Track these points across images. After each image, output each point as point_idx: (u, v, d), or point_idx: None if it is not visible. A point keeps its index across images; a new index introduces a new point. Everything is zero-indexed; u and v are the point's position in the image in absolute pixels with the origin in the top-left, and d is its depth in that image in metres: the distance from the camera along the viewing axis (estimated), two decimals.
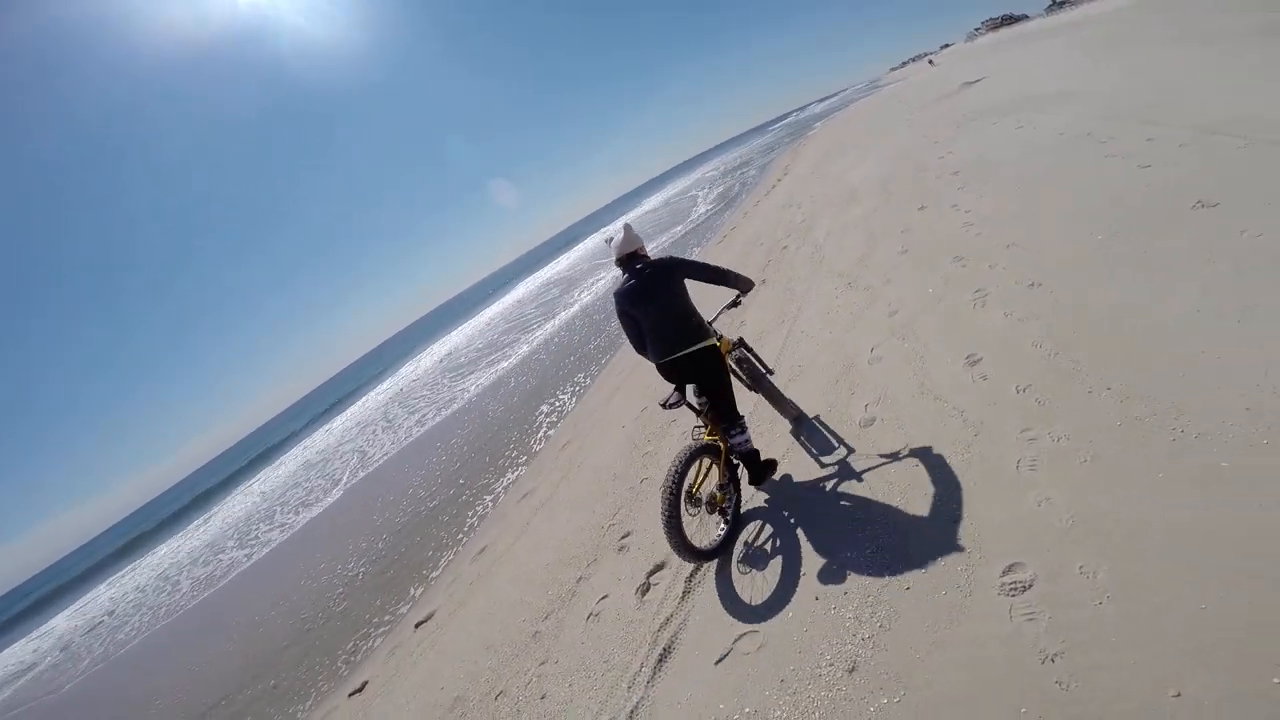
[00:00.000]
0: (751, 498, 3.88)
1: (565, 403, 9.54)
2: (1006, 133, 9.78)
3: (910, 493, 3.17)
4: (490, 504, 7.29)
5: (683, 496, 3.15)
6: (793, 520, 3.47)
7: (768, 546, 3.38)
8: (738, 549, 3.49)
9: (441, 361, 26.93)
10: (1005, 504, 2.77)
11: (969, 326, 4.36)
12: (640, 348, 3.65)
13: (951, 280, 5.13)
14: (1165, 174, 5.32)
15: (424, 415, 15.71)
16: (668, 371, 3.50)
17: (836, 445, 3.89)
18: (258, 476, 31.75)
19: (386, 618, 6.11)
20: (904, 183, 9.58)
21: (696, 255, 14.00)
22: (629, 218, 51.07)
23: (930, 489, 3.11)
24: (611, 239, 3.66)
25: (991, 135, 10.08)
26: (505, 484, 7.64)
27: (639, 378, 7.80)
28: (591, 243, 48.05)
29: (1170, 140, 6.14)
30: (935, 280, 5.30)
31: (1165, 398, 2.89)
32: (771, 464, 3.81)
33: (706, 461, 3.42)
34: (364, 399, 33.45)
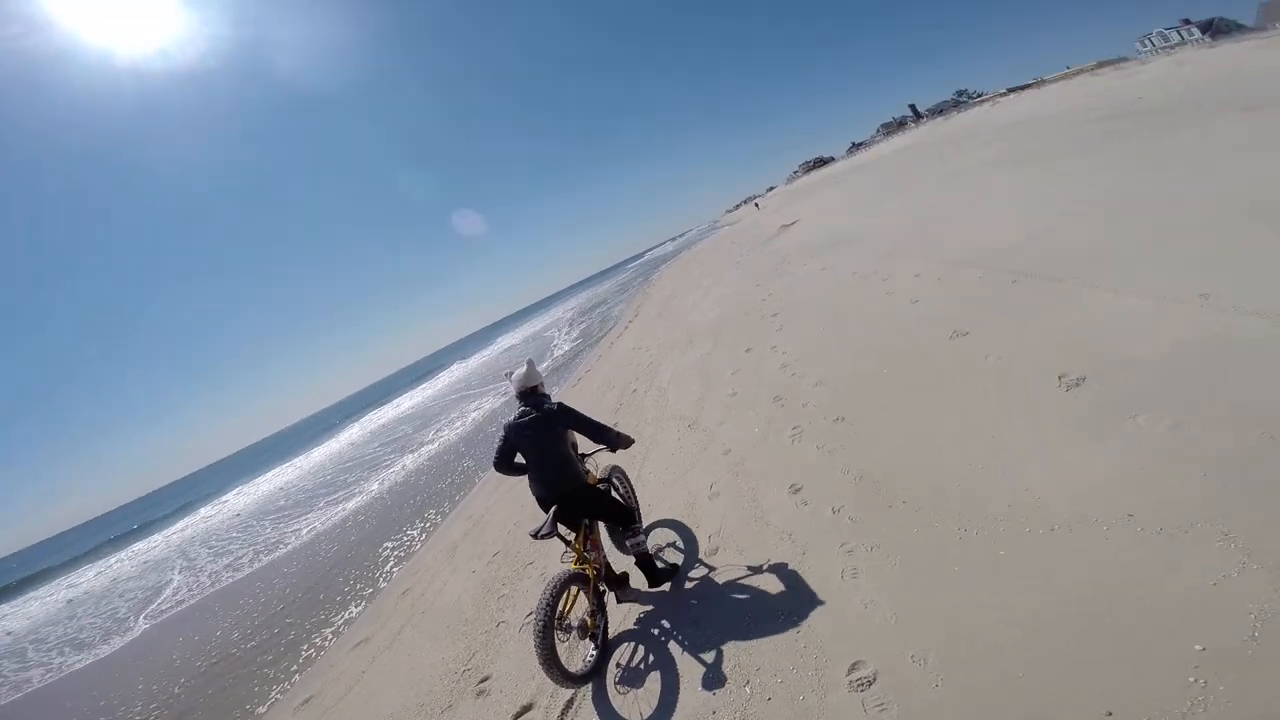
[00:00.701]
0: (621, 620, 4.01)
1: (409, 546, 9.10)
2: (813, 274, 11.32)
3: (758, 607, 3.50)
4: (319, 648, 6.76)
5: (554, 623, 3.29)
6: (660, 637, 3.67)
7: (641, 665, 3.52)
8: (612, 671, 3.58)
9: (262, 501, 24.32)
10: (838, 609, 3.14)
11: (789, 460, 4.84)
12: (505, 468, 3.95)
13: (773, 420, 5.70)
14: (929, 309, 6.41)
15: (238, 558, 13.93)
16: (546, 504, 3.78)
17: (693, 564, 4.22)
18: None
19: None
20: (733, 325, 10.68)
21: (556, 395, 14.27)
22: (485, 355, 51.44)
23: (774, 603, 3.45)
24: (513, 373, 4.01)
25: (802, 277, 11.63)
26: (338, 626, 7.22)
27: (493, 522, 7.63)
28: (448, 376, 47.27)
29: (931, 276, 7.42)
30: (760, 420, 5.86)
31: (946, 504, 3.46)
32: (673, 569, 4.11)
33: (574, 589, 3.58)
34: (162, 534, 29.15)
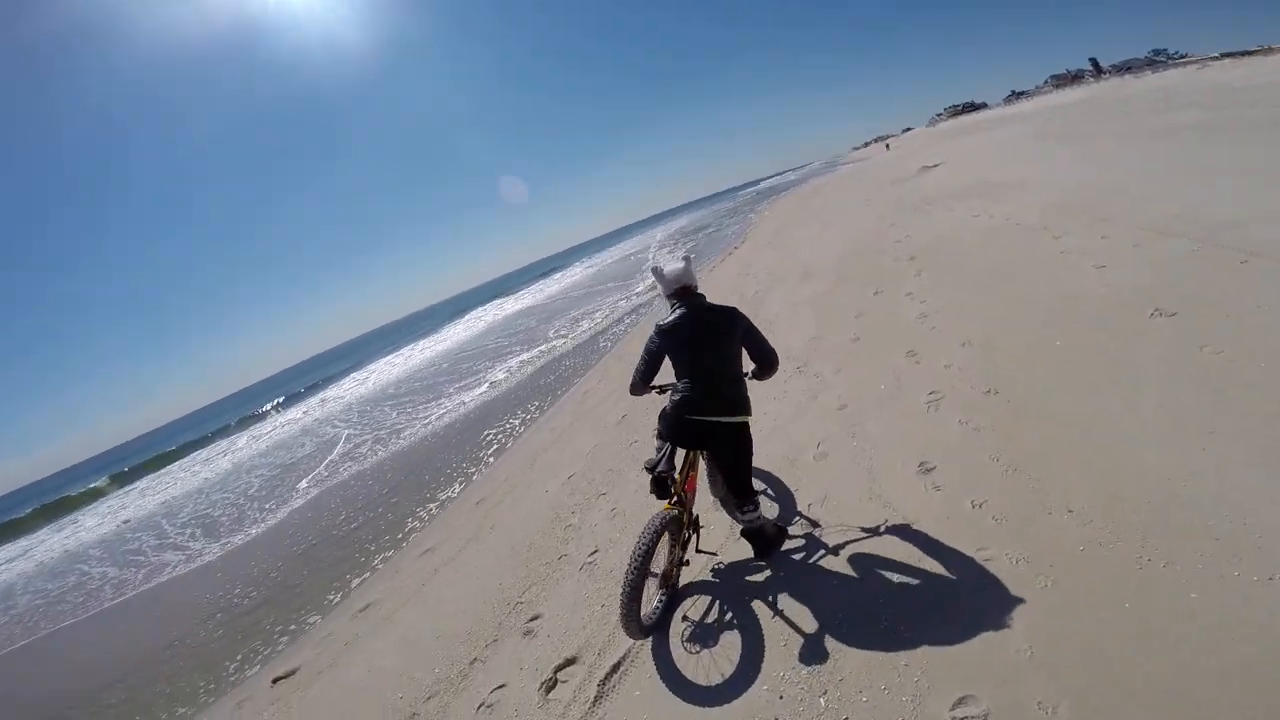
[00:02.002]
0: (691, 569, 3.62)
1: (486, 453, 8.93)
2: (962, 219, 10.02)
3: (856, 598, 2.96)
4: (383, 558, 6.68)
5: (647, 571, 2.95)
6: (736, 596, 3.27)
7: (714, 623, 3.14)
8: (678, 623, 3.24)
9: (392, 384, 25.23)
10: (960, 626, 2.56)
11: (922, 431, 4.12)
12: (644, 385, 3.41)
13: (904, 377, 4.95)
14: (1120, 276, 5.35)
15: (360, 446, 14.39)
16: (684, 429, 3.10)
17: (791, 518, 3.77)
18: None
19: (242, 665, 5.51)
20: (859, 264, 9.66)
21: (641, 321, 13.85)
22: (596, 262, 51.14)
23: (878, 598, 2.90)
24: (664, 269, 3.36)
25: (948, 221, 10.33)
26: (406, 533, 7.11)
27: (572, 440, 7.34)
28: (569, 277, 46.54)
29: (1123, 240, 6.24)
30: (887, 375, 5.11)
31: (1128, 521, 2.74)
32: (782, 532, 3.56)
33: (666, 534, 3.17)
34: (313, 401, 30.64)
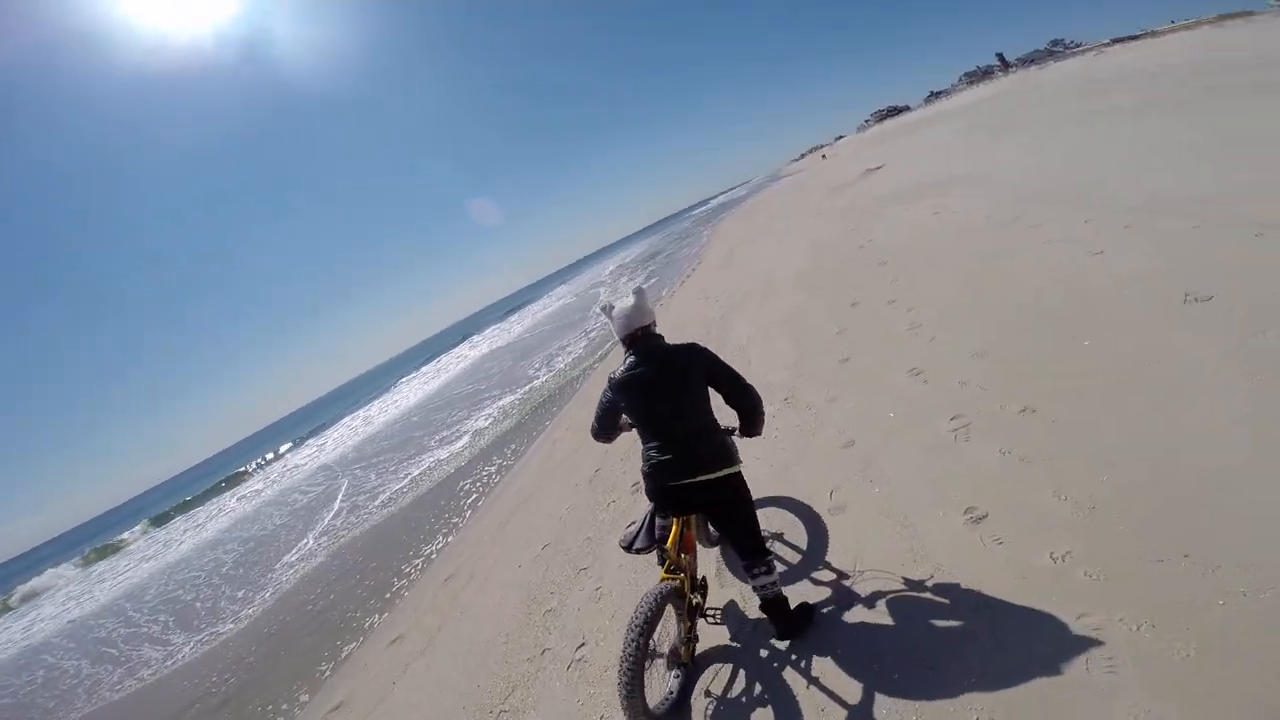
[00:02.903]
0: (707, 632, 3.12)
1: (450, 518, 8.04)
2: (924, 218, 9.62)
3: (907, 659, 2.47)
4: (350, 649, 5.81)
5: (646, 655, 2.51)
6: (765, 661, 2.82)
7: (742, 698, 2.70)
8: (699, 701, 2.79)
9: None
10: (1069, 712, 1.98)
11: (957, 468, 3.42)
12: (608, 435, 3.04)
13: (915, 401, 4.27)
14: (1126, 262, 4.85)
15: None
16: (665, 497, 2.75)
17: (818, 564, 3.27)
18: None
19: None
20: (825, 274, 9.13)
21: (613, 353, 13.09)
22: (556, 300, 49.06)
23: (935, 668, 2.38)
24: (612, 308, 2.90)
25: (909, 221, 9.93)
26: (385, 603, 6.35)
27: (540, 502, 6.54)
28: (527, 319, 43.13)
29: (1110, 224, 5.80)
30: (894, 400, 4.44)
31: (1269, 565, 2.11)
32: (807, 611, 2.91)
33: (666, 609, 2.71)
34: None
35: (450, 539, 7.39)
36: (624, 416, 2.95)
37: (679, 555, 2.77)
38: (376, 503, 10.96)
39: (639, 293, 2.87)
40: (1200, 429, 2.87)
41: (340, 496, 13.12)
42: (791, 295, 8.82)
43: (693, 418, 2.67)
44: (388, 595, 6.57)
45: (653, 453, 2.71)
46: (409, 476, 11.61)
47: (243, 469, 41.00)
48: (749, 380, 2.80)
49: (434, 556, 7.06)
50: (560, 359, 16.34)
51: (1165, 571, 2.27)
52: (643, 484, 2.81)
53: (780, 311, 8.17)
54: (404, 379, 43.99)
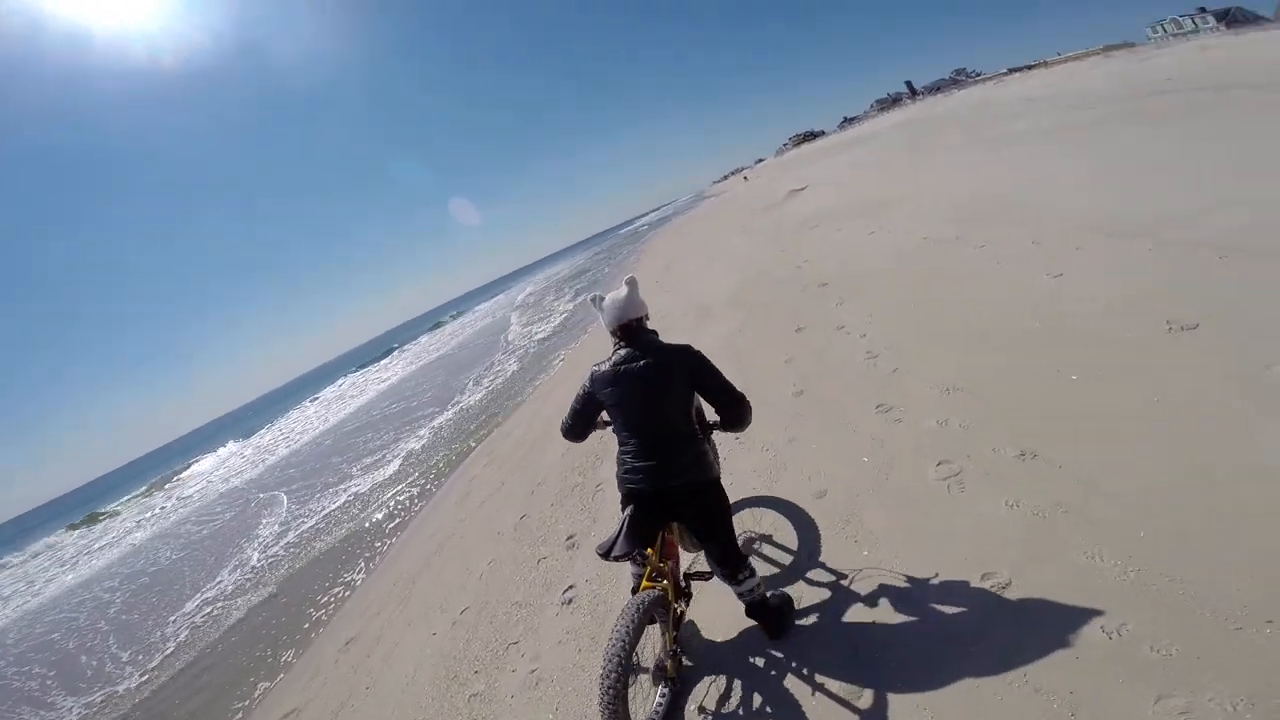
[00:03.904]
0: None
1: (349, 570, 7.05)
2: (859, 239, 9.36)
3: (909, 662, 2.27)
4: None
5: (629, 672, 2.30)
6: (762, 668, 2.65)
7: (742, 710, 2.53)
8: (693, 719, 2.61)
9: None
10: None
11: (959, 526, 2.90)
12: (580, 433, 2.87)
13: (889, 444, 3.75)
14: (1089, 287, 4.57)
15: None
16: (641, 502, 2.58)
17: (812, 564, 3.12)
18: None
19: None
20: (761, 295, 8.67)
21: (539, 383, 12.23)
22: (459, 326, 46.17)
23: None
24: (603, 299, 2.78)
25: (844, 241, 9.66)
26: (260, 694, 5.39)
27: (458, 553, 5.72)
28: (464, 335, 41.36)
29: (1061, 245, 5.57)
30: (863, 441, 3.90)
31: None
32: (788, 603, 2.86)
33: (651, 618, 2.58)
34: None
35: (349, 593, 6.50)
36: (602, 414, 2.80)
37: (661, 562, 2.64)
38: (280, 544, 9.72)
39: (631, 283, 2.73)
40: (1238, 469, 2.48)
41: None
42: (729, 317, 8.30)
43: (675, 422, 2.56)
44: (280, 658, 5.70)
45: (630, 456, 2.59)
46: (317, 513, 10.40)
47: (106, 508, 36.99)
48: (740, 390, 2.62)
49: (344, 598, 6.23)
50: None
51: (1248, 643, 1.89)
52: (618, 487, 2.67)
53: (719, 335, 7.62)
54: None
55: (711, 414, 2.84)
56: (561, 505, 5.33)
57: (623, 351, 2.62)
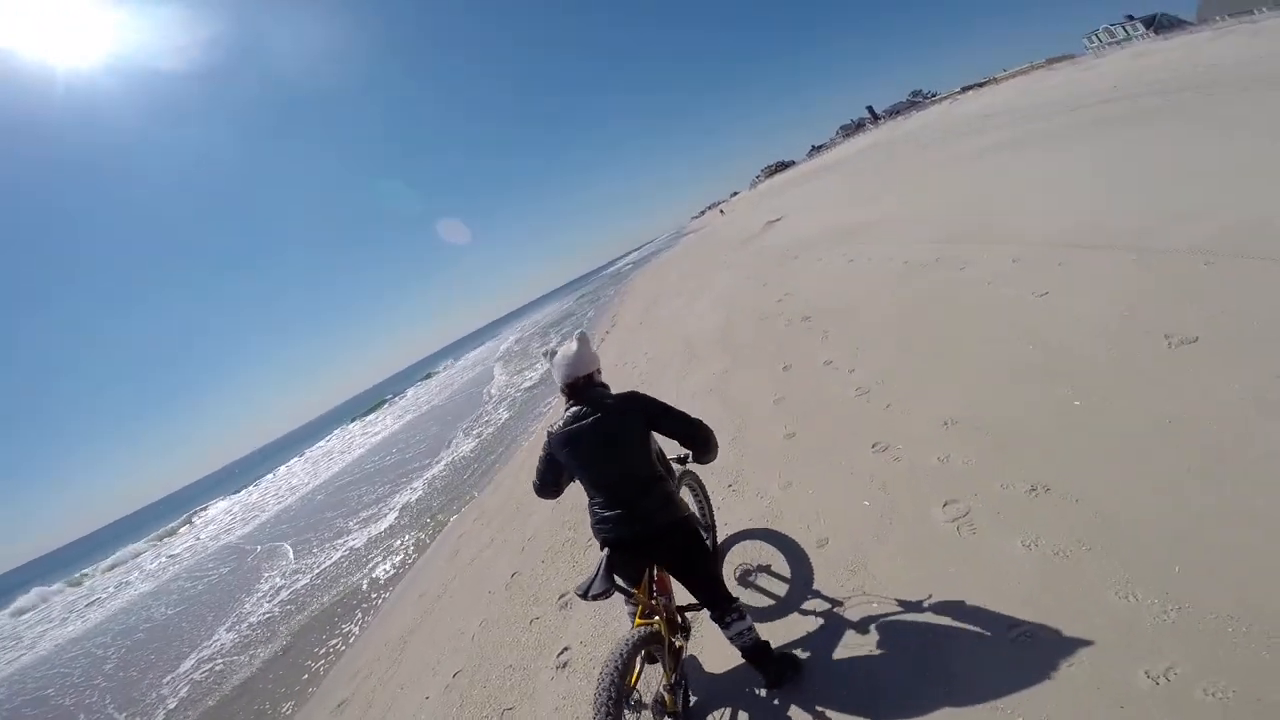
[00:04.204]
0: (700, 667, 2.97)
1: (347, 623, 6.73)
2: (839, 267, 9.29)
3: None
4: None
5: (622, 705, 2.19)
6: (774, 700, 2.63)
7: None
8: None
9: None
10: None
11: (975, 571, 2.69)
12: (552, 492, 2.83)
13: (890, 485, 3.54)
14: (1077, 303, 4.45)
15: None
16: (617, 550, 2.57)
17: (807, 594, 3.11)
18: None
19: None
20: (748, 333, 8.52)
21: (532, 430, 11.99)
22: (447, 378, 45.68)
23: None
24: (554, 353, 2.74)
25: (824, 271, 9.59)
26: None
27: (448, 613, 5.51)
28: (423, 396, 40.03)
29: (1042, 261, 5.46)
30: (861, 484, 3.70)
31: None
32: (793, 662, 2.73)
33: (643, 653, 2.52)
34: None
35: (343, 651, 6.33)
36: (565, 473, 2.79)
37: (651, 599, 2.60)
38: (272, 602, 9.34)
39: (581, 339, 2.70)
40: (1274, 489, 2.30)
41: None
42: (715, 359, 8.13)
43: (637, 470, 2.56)
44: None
45: (599, 509, 2.60)
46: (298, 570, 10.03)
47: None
48: (694, 415, 2.67)
49: (322, 674, 6.00)
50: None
51: None
52: (594, 536, 2.67)
53: (705, 379, 7.44)
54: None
55: (674, 450, 2.95)
56: (553, 562, 5.10)
57: (573, 410, 2.58)
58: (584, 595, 2.44)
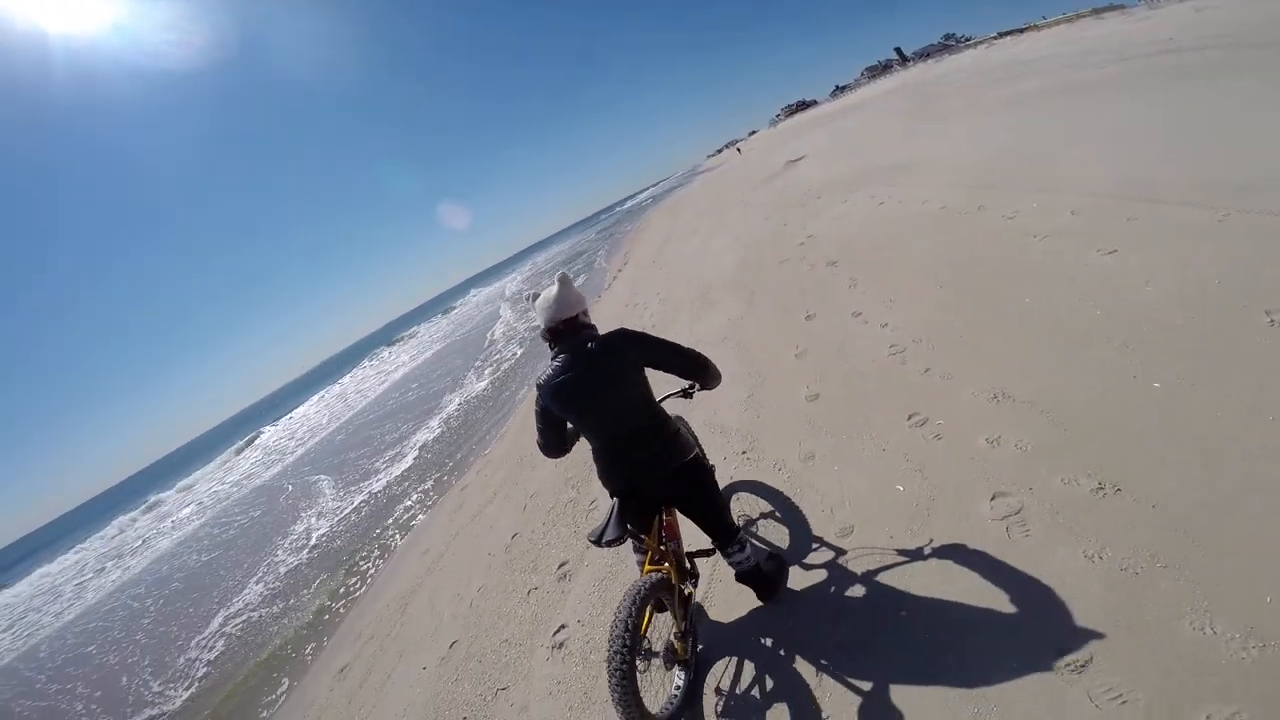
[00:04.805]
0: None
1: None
2: (866, 210, 8.59)
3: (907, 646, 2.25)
4: None
5: (636, 653, 2.20)
6: (775, 650, 2.57)
7: (755, 693, 2.46)
8: (710, 699, 2.54)
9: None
10: None
11: (1029, 581, 2.28)
12: (558, 448, 2.63)
13: (927, 467, 3.09)
14: (1155, 265, 3.86)
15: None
16: (626, 496, 2.48)
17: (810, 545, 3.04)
18: None
19: None
20: (765, 275, 7.95)
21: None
22: (480, 300, 46.36)
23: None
24: (536, 296, 2.54)
25: (851, 214, 8.88)
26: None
27: (449, 575, 5.29)
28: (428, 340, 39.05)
29: (1106, 214, 4.86)
30: (894, 463, 3.25)
31: None
32: (780, 568, 2.86)
33: (653, 601, 2.40)
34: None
35: (346, 612, 6.26)
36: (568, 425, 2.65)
37: (660, 544, 2.56)
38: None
39: (563, 279, 2.52)
40: None
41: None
42: (731, 301, 7.60)
43: (638, 413, 2.47)
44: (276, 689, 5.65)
45: (604, 457, 2.53)
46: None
47: None
48: (690, 346, 2.57)
49: (338, 624, 6.10)
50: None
51: None
52: (602, 484, 2.63)
53: (719, 325, 6.93)
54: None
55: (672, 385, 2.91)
56: (554, 525, 4.79)
57: (561, 358, 2.42)
58: (597, 542, 2.35)
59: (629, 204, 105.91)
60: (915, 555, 2.59)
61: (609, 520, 2.37)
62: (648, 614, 2.39)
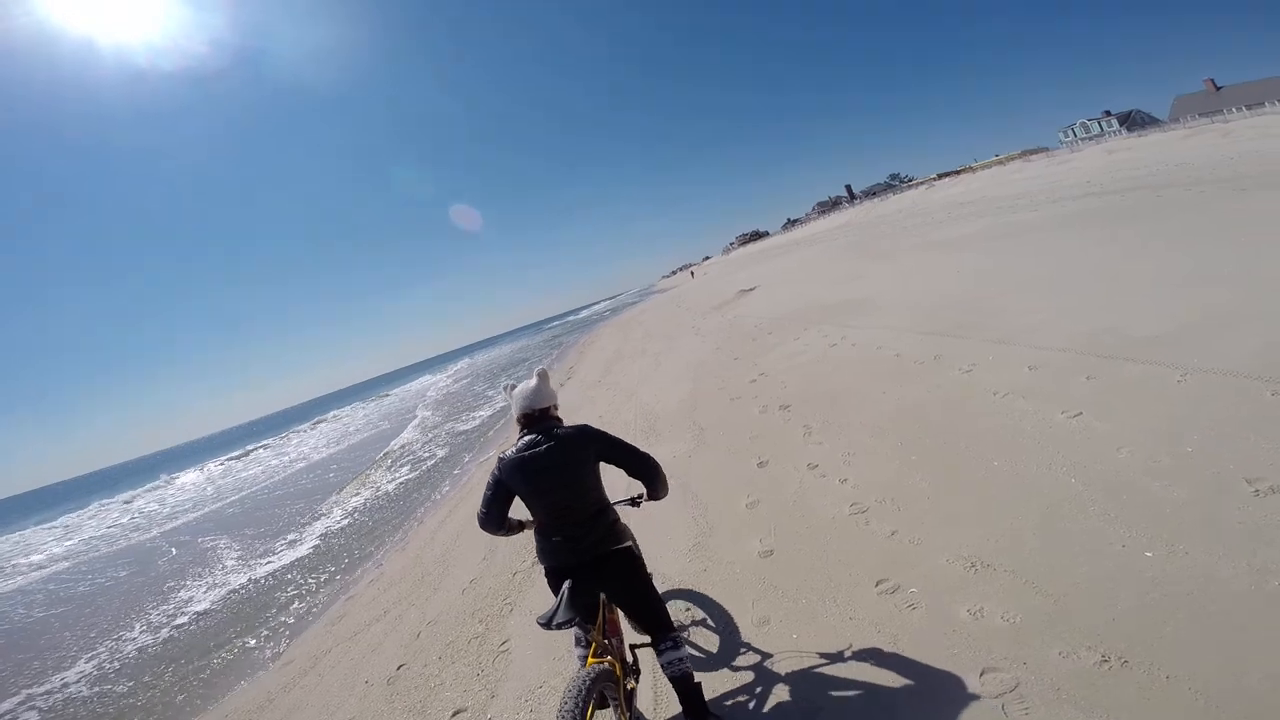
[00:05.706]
0: None
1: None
2: (819, 350, 8.70)
3: None
4: None
5: None
6: None
7: None
8: None
9: None
10: None
11: None
12: (497, 525, 2.80)
13: (901, 639, 2.78)
14: (1121, 428, 3.82)
15: None
16: (563, 578, 2.57)
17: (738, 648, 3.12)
18: None
19: None
20: (716, 412, 7.76)
21: (444, 496, 10.87)
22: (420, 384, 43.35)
23: None
24: (514, 386, 2.88)
25: (802, 352, 8.99)
26: None
27: (314, 689, 4.39)
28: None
29: (1065, 371, 4.94)
30: (864, 634, 2.92)
31: None
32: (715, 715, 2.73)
33: (595, 696, 2.41)
34: None
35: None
36: (511, 516, 2.82)
37: (604, 639, 2.60)
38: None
39: (541, 375, 2.85)
40: None
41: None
42: (679, 437, 7.31)
43: (587, 500, 2.66)
44: None
45: (548, 534, 2.68)
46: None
47: None
48: (644, 450, 2.80)
49: None
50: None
51: None
52: (540, 561, 2.76)
53: (666, 460, 6.55)
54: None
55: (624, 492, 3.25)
56: (452, 662, 4.18)
57: (527, 438, 2.66)
58: (547, 624, 2.40)
59: (583, 313, 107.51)
60: (832, 659, 2.72)
61: (560, 603, 2.42)
62: (589, 710, 2.33)
